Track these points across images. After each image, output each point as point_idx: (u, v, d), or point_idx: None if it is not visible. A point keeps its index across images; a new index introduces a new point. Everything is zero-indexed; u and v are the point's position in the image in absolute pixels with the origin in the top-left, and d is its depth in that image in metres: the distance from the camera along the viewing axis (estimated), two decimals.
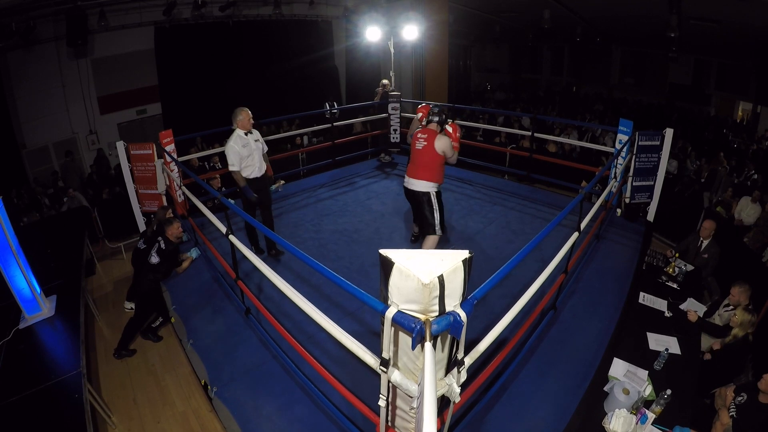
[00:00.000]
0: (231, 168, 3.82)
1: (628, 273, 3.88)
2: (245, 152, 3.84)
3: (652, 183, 4.69)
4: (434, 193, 3.56)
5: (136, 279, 4.31)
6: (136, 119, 9.86)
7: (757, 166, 7.89)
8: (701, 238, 4.37)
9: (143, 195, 4.86)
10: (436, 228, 3.57)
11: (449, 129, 3.67)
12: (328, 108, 6.41)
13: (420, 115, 3.81)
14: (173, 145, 4.87)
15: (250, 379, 2.90)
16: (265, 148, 4.14)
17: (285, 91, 10.86)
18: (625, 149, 4.67)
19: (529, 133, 6.17)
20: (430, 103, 4.06)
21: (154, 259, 3.78)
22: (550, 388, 2.71)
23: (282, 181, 6.04)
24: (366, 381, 2.45)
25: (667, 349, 2.92)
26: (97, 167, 8.62)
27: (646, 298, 3.59)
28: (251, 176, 3.93)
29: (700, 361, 3.16)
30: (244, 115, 3.84)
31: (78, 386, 2.74)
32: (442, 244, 4.37)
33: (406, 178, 3.68)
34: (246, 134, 3.87)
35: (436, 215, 3.55)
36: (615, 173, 4.84)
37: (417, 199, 3.62)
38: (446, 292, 1.48)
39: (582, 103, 13.96)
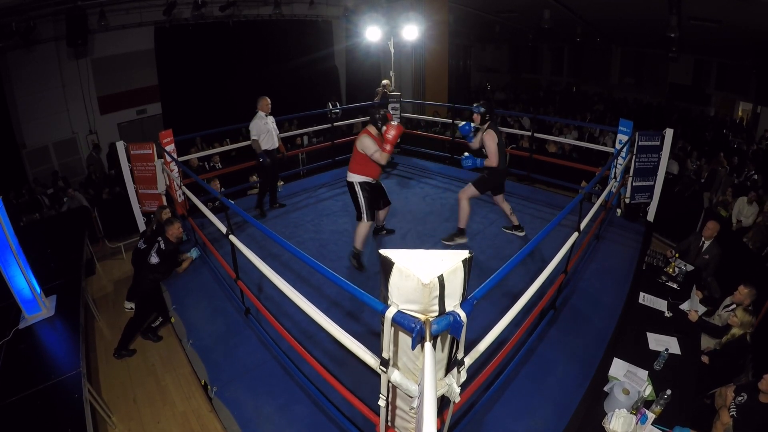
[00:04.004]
0: (253, 137, 4.91)
1: (628, 273, 3.88)
2: (264, 128, 4.94)
3: (652, 183, 4.69)
4: (360, 184, 3.85)
5: (136, 279, 4.31)
6: (136, 119, 9.87)
7: (757, 166, 7.89)
8: (703, 239, 4.37)
9: (143, 195, 4.86)
10: (364, 216, 3.89)
11: (391, 126, 3.69)
12: (330, 107, 6.40)
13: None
14: (173, 145, 4.87)
15: (250, 379, 2.89)
16: (277, 130, 5.22)
17: (285, 91, 10.83)
18: (625, 149, 4.67)
19: (529, 133, 6.17)
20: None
21: (154, 259, 3.78)
22: (550, 388, 2.71)
23: (282, 182, 6.03)
24: (366, 381, 2.45)
25: (667, 349, 2.92)
26: (110, 161, 8.68)
27: (646, 298, 3.59)
28: (268, 148, 5.04)
29: (700, 362, 3.16)
30: (264, 102, 4.96)
31: (78, 386, 2.74)
32: (443, 245, 4.38)
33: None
34: (266, 115, 4.96)
35: (363, 204, 3.87)
36: (615, 173, 4.83)
37: (349, 189, 3.95)
38: (446, 292, 1.48)
39: (582, 103, 13.96)
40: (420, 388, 1.32)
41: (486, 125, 4.00)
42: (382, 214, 4.41)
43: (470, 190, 4.13)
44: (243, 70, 10.59)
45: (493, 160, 3.95)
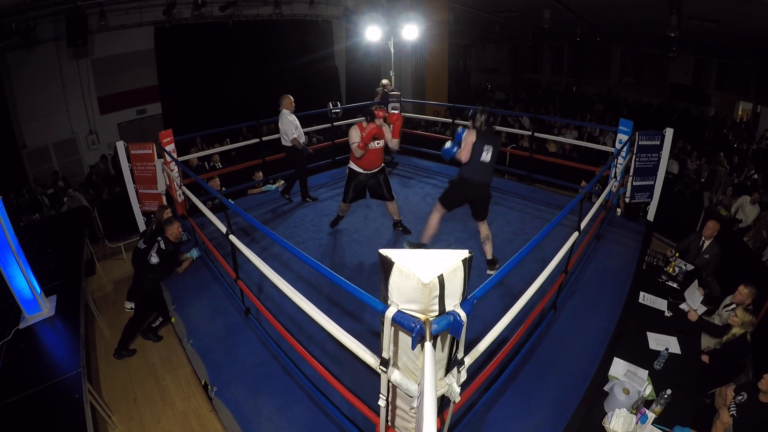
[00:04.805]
0: (292, 135, 5.03)
1: (628, 273, 3.88)
2: (296, 124, 5.08)
3: (652, 183, 4.69)
4: (348, 169, 4.26)
5: (136, 279, 4.31)
6: (136, 119, 9.88)
7: (757, 165, 7.89)
8: (703, 238, 4.37)
9: (143, 195, 4.86)
10: (342, 197, 4.36)
11: (370, 125, 3.98)
12: (331, 107, 6.40)
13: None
14: (173, 144, 4.87)
15: (250, 379, 2.90)
16: None
17: (285, 91, 10.84)
18: (625, 149, 4.67)
19: (529, 133, 6.17)
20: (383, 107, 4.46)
21: (154, 259, 3.78)
22: (550, 388, 2.71)
23: (282, 181, 6.04)
24: (366, 381, 2.45)
25: (667, 349, 2.92)
26: (114, 163, 8.77)
27: (646, 298, 3.59)
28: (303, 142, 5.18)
29: (700, 361, 3.16)
30: (288, 100, 5.13)
31: (78, 386, 2.74)
32: (443, 244, 4.38)
33: None
34: (291, 113, 5.08)
35: (345, 188, 4.33)
36: (615, 173, 4.84)
37: None
38: (446, 292, 1.47)
39: (582, 103, 13.96)
40: (420, 388, 1.32)
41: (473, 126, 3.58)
42: (390, 208, 4.51)
43: (436, 206, 3.80)
44: (243, 70, 10.59)
45: (463, 153, 3.50)
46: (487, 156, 3.53)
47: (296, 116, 5.19)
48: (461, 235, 4.60)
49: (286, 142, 5.13)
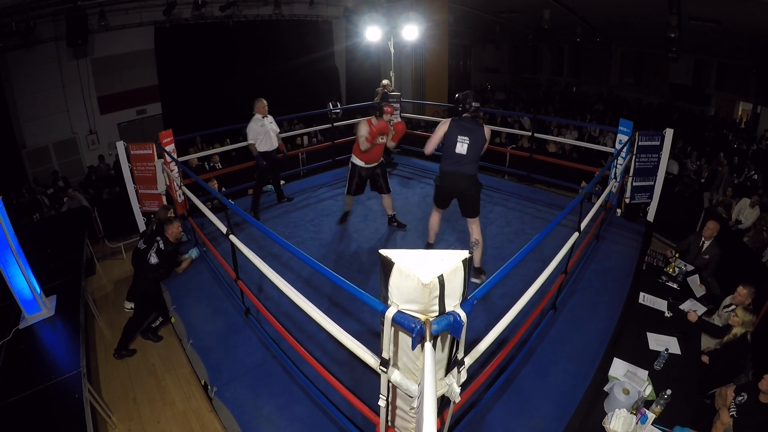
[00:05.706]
0: (249, 141, 4.95)
1: (628, 273, 3.88)
2: (261, 131, 4.93)
3: (652, 183, 4.69)
4: (351, 163, 4.40)
5: (136, 279, 4.31)
6: (136, 119, 9.88)
7: (757, 166, 7.89)
8: (703, 239, 4.37)
9: (143, 195, 4.86)
10: (345, 188, 4.56)
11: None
12: (331, 107, 6.40)
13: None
14: (173, 145, 4.87)
15: (250, 379, 2.90)
16: (277, 129, 5.19)
17: (285, 91, 10.85)
18: (625, 149, 4.67)
19: (529, 133, 6.17)
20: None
21: (154, 259, 3.78)
22: (550, 388, 2.71)
23: (282, 181, 6.03)
24: (366, 381, 2.45)
25: (667, 349, 2.92)
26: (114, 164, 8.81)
27: (646, 298, 3.59)
28: (264, 150, 5.02)
29: (700, 362, 3.16)
30: (261, 104, 4.94)
31: (78, 386, 2.74)
32: (444, 244, 4.38)
33: None
34: (262, 117, 4.94)
35: (347, 180, 4.50)
36: (615, 173, 4.83)
37: None
38: (446, 292, 1.47)
39: (582, 103, 13.96)
40: (420, 388, 1.32)
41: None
42: (385, 202, 4.62)
43: (433, 206, 3.79)
44: (243, 70, 10.59)
45: (428, 145, 3.54)
46: (462, 148, 3.33)
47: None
48: (462, 236, 4.60)
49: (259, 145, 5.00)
